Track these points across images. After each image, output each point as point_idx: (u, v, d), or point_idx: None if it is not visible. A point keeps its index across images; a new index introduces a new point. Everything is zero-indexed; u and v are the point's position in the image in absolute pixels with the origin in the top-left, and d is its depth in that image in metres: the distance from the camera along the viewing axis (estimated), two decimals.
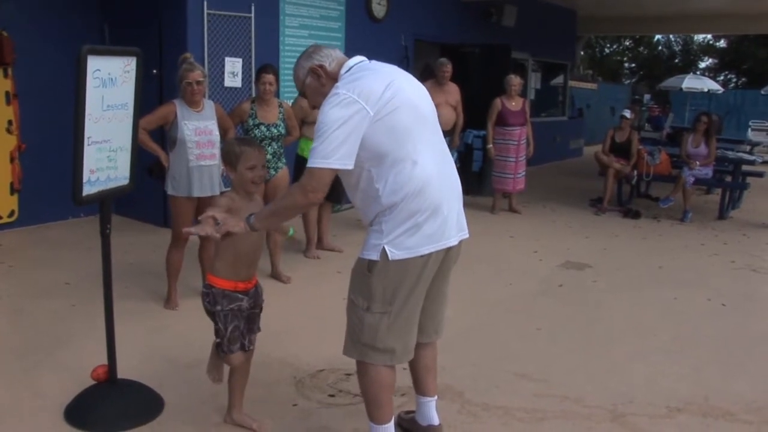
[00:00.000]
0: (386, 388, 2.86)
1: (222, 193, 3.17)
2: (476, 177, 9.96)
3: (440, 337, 3.14)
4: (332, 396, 3.67)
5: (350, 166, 2.56)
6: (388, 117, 2.57)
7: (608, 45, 37.10)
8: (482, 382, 3.87)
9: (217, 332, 3.08)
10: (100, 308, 3.45)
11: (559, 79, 15.50)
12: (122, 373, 3.55)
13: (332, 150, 2.50)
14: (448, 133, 8.33)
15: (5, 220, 7.08)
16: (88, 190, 3.04)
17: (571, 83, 16.48)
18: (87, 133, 2.92)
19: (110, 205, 3.25)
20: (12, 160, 7.03)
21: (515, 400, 3.67)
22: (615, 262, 6.60)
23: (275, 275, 5.72)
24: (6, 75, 6.89)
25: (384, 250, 2.64)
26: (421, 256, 2.67)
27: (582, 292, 5.64)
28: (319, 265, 6.23)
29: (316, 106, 2.80)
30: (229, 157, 3.02)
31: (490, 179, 9.10)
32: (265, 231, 3.09)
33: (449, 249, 2.81)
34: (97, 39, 7.52)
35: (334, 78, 2.73)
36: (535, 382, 3.89)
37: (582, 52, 26.73)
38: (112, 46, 3.22)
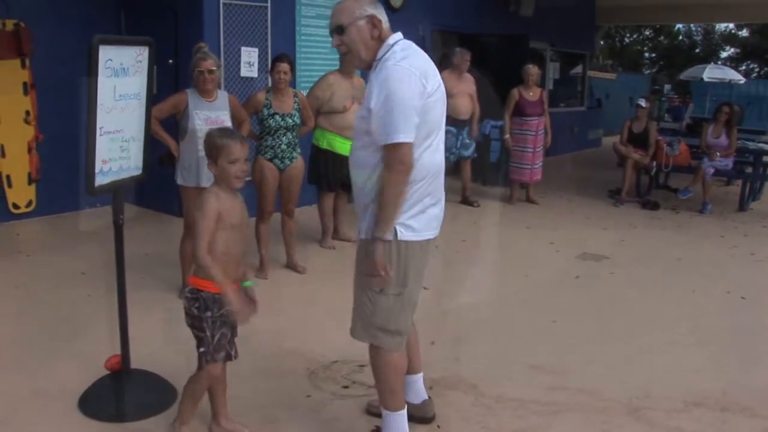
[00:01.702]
0: (401, 372, 2.93)
1: (206, 189, 2.97)
2: (493, 167, 9.89)
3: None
4: (346, 387, 3.66)
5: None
6: (431, 103, 2.65)
7: (628, 35, 36.73)
8: (496, 375, 3.84)
9: (201, 341, 2.87)
10: (116, 298, 3.46)
11: (577, 69, 15.35)
12: (136, 362, 3.56)
13: (410, 125, 2.55)
14: (466, 123, 8.29)
15: (23, 209, 7.12)
16: (100, 180, 3.03)
17: (590, 73, 16.31)
18: (99, 123, 2.91)
19: (123, 195, 3.24)
20: (30, 150, 7.05)
21: (530, 393, 3.64)
22: (633, 254, 6.53)
23: (291, 265, 5.71)
24: (24, 66, 6.90)
25: (395, 229, 2.67)
26: (427, 240, 2.79)
27: (599, 284, 5.59)
28: (334, 255, 6.22)
29: (347, 47, 2.73)
30: (210, 150, 2.82)
31: (507, 170, 9.04)
32: (246, 226, 2.97)
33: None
34: (114, 29, 7.52)
35: (382, 40, 2.73)
36: (550, 375, 3.86)
37: (601, 42, 26.49)
38: (124, 36, 3.19)
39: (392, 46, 2.70)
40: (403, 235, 2.69)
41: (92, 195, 3.01)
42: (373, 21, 2.71)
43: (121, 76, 3.00)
